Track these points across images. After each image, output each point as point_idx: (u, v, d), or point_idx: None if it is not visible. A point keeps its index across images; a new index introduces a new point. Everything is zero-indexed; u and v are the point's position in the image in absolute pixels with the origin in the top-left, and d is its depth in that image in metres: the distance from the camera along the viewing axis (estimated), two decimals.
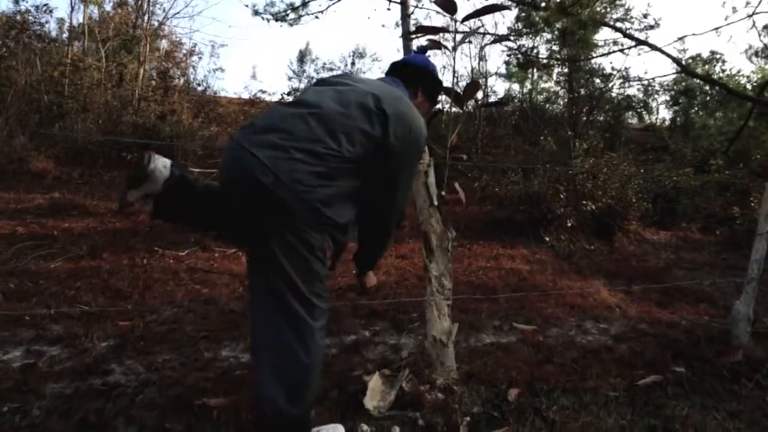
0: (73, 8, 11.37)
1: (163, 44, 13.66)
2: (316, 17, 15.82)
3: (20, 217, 5.17)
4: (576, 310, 3.34)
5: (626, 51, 9.65)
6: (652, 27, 10.19)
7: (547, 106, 15.23)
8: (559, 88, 15.29)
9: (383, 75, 1.88)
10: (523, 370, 2.27)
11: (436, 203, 2.42)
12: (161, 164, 1.39)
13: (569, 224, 6.09)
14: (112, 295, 3.03)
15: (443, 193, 2.48)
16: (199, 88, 13.35)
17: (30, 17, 9.62)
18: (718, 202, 8.02)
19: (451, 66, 21.43)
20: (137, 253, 4.04)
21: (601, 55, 10.61)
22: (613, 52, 9.34)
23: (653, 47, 8.61)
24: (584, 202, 6.25)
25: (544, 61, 12.58)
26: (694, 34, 11.38)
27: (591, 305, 3.45)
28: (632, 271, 4.89)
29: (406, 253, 4.82)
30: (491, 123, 11.90)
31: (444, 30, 2.74)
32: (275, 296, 1.34)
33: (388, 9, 16.49)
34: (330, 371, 2.13)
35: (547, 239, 5.99)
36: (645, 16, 10.48)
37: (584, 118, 11.43)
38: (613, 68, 12.83)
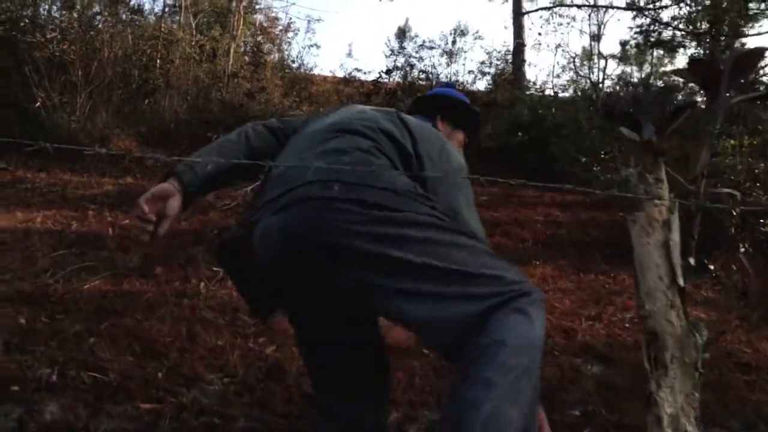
0: None
1: (259, 18, 13.08)
2: None
3: (83, 207, 4.54)
4: None
5: None
6: None
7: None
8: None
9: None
10: None
11: (681, 283, 1.29)
12: None
13: (743, 249, 4.66)
14: (143, 349, 2.14)
15: (691, 260, 1.36)
16: (294, 65, 12.68)
17: None
18: None
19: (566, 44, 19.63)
20: (195, 271, 3.18)
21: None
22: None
23: None
24: (762, 220, 4.78)
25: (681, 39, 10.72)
26: None
27: None
28: None
29: None
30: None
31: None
32: None
33: None
34: None
35: (712, 267, 4.60)
36: None
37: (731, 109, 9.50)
38: None
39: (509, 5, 12.42)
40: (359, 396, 1.30)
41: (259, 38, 12.36)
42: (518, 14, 11.76)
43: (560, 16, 15.02)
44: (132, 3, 9.60)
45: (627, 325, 3.07)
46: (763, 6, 7.43)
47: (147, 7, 11.21)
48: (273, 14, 13.38)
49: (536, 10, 13.11)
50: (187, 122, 8.35)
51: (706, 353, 1.34)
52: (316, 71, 13.11)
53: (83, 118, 6.99)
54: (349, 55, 21.33)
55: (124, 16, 9.35)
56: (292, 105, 9.93)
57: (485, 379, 0.92)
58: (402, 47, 10.23)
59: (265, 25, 13.15)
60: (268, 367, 2.11)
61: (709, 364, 2.37)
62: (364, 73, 11.24)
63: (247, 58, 10.73)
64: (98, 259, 3.21)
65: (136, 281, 2.95)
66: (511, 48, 11.72)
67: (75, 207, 4.50)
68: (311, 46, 13.97)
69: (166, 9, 10.95)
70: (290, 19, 17.67)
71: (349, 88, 13.06)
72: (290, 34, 13.29)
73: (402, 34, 24.64)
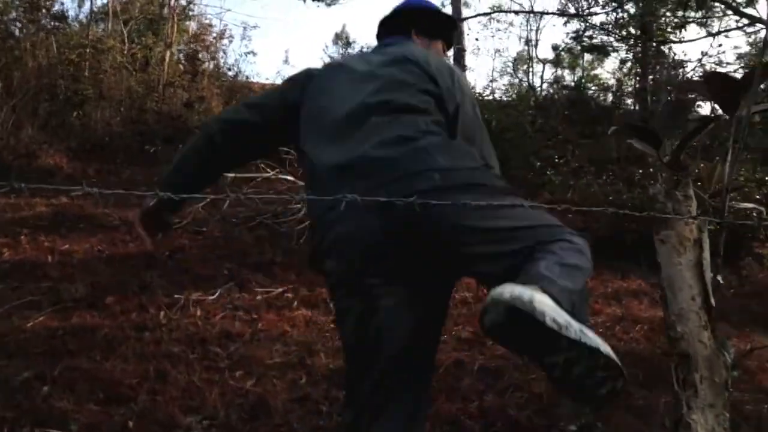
0: None
1: (192, 26, 12.61)
2: None
3: (14, 232, 4.14)
4: None
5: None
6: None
7: (600, 95, 13.79)
8: (621, 74, 13.82)
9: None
10: None
11: (713, 302, 1.25)
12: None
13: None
14: (107, 394, 1.92)
15: (719, 278, 1.33)
16: (230, 73, 12.32)
17: None
18: None
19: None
20: (153, 298, 2.94)
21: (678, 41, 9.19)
22: (719, 33, 7.87)
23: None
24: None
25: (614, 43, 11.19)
26: None
27: None
28: None
29: None
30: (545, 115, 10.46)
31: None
32: None
33: None
34: None
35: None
36: None
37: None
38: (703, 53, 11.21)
39: (448, 11, 12.55)
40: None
41: (194, 46, 11.90)
42: (458, 20, 11.91)
43: (498, 21, 15.38)
44: (54, 9, 8.99)
45: (600, 330, 3.08)
46: (692, 14, 7.82)
47: (71, 13, 10.45)
48: (207, 21, 12.94)
49: (475, 16, 13.37)
50: (121, 135, 7.90)
51: (735, 371, 1.30)
52: (254, 79, 12.80)
53: (6, 133, 6.45)
54: (286, 62, 20.98)
55: (45, 23, 8.76)
56: None
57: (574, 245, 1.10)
58: (347, 53, 10.04)
59: (198, 32, 12.70)
60: (251, 404, 1.94)
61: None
62: None
63: (182, 67, 10.30)
64: (39, 292, 2.91)
65: (86, 314, 2.68)
66: (450, 53, 11.85)
67: (4, 232, 4.10)
68: (248, 53, 13.56)
69: (93, 16, 10.36)
70: (226, 25, 17.18)
71: None
72: (225, 41, 12.90)
73: (338, 39, 24.54)
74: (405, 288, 1.14)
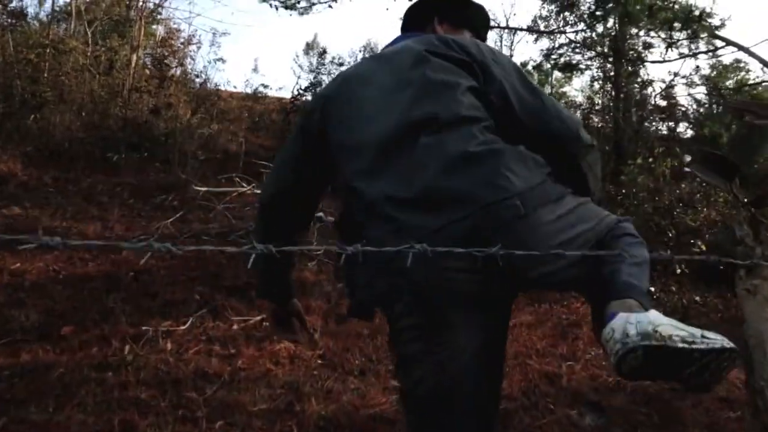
0: None
1: (160, 30, 12.17)
2: (330, 6, 14.44)
3: None
4: None
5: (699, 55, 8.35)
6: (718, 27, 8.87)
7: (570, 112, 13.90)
8: (591, 92, 14.00)
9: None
10: None
11: None
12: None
13: (678, 271, 4.76)
14: None
15: None
16: (198, 80, 11.95)
17: None
18: None
19: None
20: (116, 328, 2.62)
21: (661, 61, 9.31)
22: (670, 60, 7.93)
23: (740, 48, 7.32)
24: (692, 240, 4.91)
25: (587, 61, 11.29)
26: None
27: None
28: None
29: None
30: None
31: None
32: None
33: (410, 0, 15.13)
34: None
35: (653, 289, 4.65)
36: (708, 15, 9.05)
37: (635, 130, 10.05)
38: (675, 73, 11.42)
39: None
40: None
41: (161, 50, 11.48)
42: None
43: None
44: (12, 5, 8.50)
45: (603, 363, 2.91)
46: (663, 35, 7.89)
47: (31, 11, 9.94)
48: (175, 25, 12.53)
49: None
50: (82, 140, 7.45)
51: None
52: (223, 87, 12.45)
53: None
54: (255, 70, 20.59)
55: (2, 20, 8.27)
56: (201, 122, 9.26)
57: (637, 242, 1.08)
58: (322, 64, 9.83)
59: (166, 36, 12.27)
60: None
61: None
62: (274, 89, 10.79)
63: (149, 71, 9.88)
64: None
65: (38, 348, 2.34)
66: None
67: None
68: (217, 60, 13.15)
69: (54, 14, 9.85)
70: (195, 30, 16.75)
71: (258, 106, 12.57)
72: (193, 47, 12.50)
73: (309, 49, 24.29)
74: (484, 323, 1.06)
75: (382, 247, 0.84)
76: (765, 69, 7.76)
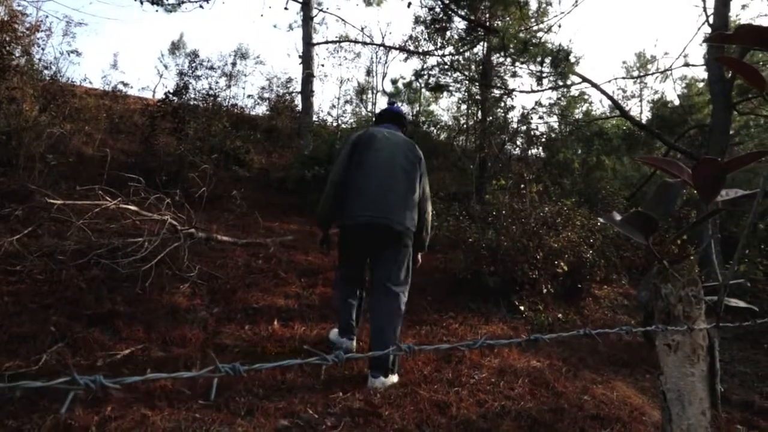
0: None
1: (0, 10, 10.70)
2: (201, 6, 13.72)
3: None
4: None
5: (558, 89, 9.15)
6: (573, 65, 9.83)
7: (434, 131, 14.63)
8: (459, 113, 14.81)
9: (381, 122, 3.43)
10: None
11: (721, 413, 1.13)
12: None
13: (545, 290, 5.09)
14: None
15: (720, 388, 1.22)
16: (47, 72, 10.73)
17: None
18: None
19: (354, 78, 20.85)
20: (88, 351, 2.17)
21: (529, 91, 10.07)
22: (541, 90, 8.67)
23: (593, 84, 8.13)
24: (556, 261, 5.29)
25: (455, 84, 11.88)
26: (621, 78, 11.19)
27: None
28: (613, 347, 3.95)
29: None
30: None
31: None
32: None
33: (286, 8, 14.92)
34: None
35: (522, 308, 4.93)
36: (567, 55, 10.01)
37: (498, 151, 10.74)
38: (538, 102, 12.40)
39: (298, 34, 12.33)
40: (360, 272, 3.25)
41: (2, 35, 10.11)
42: (308, 44, 11.72)
43: (346, 50, 15.54)
44: None
45: (488, 387, 2.99)
46: (532, 68, 8.55)
47: None
48: (19, 7, 11.10)
49: (324, 42, 13.36)
50: None
51: None
52: (76, 82, 11.29)
53: None
54: (115, 66, 18.97)
55: None
56: (52, 121, 8.29)
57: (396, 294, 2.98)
58: (193, 67, 9.25)
59: (6, 19, 10.84)
60: None
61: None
62: (136, 89, 9.96)
63: None
64: None
65: None
66: (292, 76, 11.62)
67: None
68: (71, 52, 11.85)
69: None
70: (46, 16, 15.03)
71: (117, 105, 11.58)
72: (42, 35, 11.18)
73: (175, 49, 22.92)
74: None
75: (357, 209, 2.94)
76: (609, 103, 8.71)
